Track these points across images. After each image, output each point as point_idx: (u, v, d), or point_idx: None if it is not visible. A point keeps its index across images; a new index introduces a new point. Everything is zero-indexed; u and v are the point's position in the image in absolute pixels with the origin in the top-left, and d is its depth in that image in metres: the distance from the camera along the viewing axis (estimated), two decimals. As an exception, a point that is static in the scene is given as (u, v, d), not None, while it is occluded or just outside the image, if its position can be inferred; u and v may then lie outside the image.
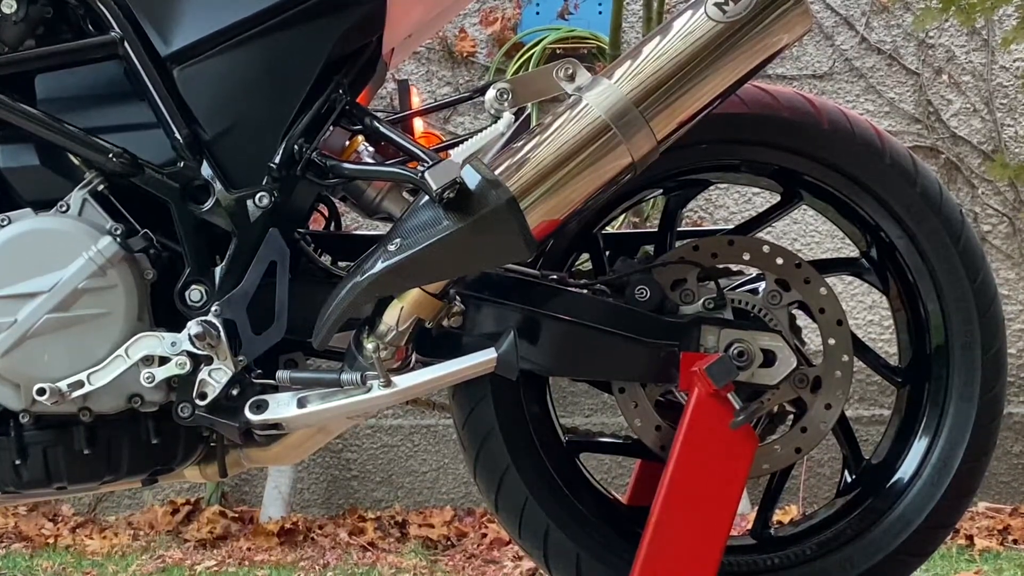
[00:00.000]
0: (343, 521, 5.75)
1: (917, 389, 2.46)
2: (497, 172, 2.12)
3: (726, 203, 6.15)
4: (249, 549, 5.24)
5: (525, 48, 6.14)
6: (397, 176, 2.20)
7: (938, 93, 6.22)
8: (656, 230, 2.50)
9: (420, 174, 2.11)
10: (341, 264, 2.40)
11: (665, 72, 2.15)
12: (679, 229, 2.51)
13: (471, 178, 2.11)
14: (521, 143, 2.16)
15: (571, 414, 5.89)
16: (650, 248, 2.47)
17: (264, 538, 5.41)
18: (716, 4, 2.17)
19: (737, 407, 2.19)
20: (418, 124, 2.51)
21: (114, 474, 2.31)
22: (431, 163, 2.13)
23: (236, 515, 5.69)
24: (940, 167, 6.18)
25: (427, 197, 2.11)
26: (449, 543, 5.52)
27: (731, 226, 2.56)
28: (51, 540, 5.31)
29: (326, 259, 2.41)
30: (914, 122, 6.22)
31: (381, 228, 2.31)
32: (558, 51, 6.10)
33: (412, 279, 2.14)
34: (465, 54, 6.25)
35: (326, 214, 2.53)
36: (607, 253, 2.49)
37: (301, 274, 2.29)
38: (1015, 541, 5.32)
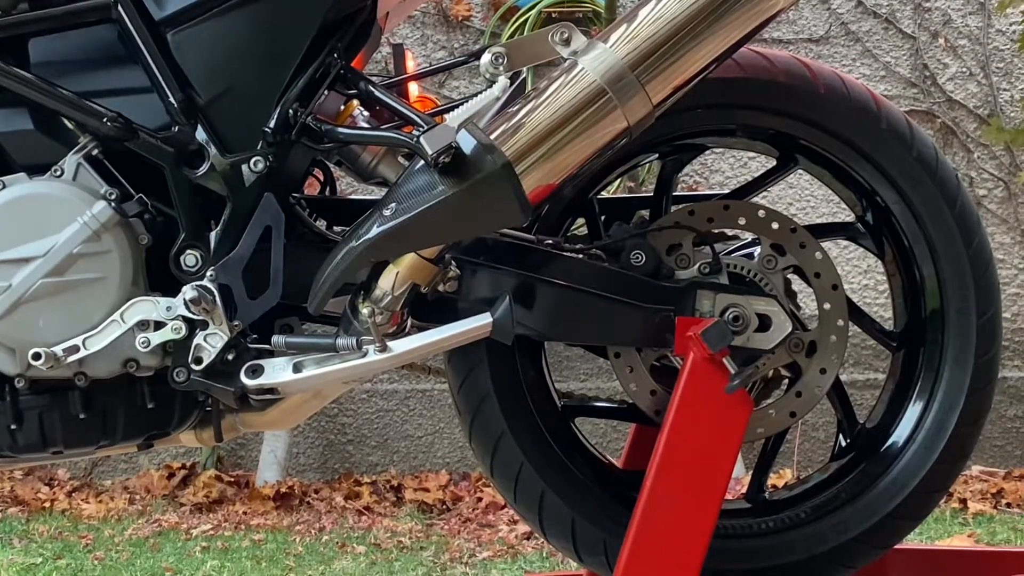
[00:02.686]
0: (339, 485, 5.77)
1: (912, 354, 2.46)
2: (492, 136, 2.12)
3: (722, 167, 6.15)
4: (245, 513, 5.25)
5: (520, 12, 6.11)
6: (392, 141, 2.20)
7: (934, 57, 6.21)
8: (652, 195, 2.50)
9: (415, 138, 2.10)
10: (336, 229, 2.39)
11: (661, 36, 2.14)
12: (675, 194, 2.50)
13: (466, 142, 2.10)
14: (517, 107, 2.15)
15: (566, 379, 5.90)
16: (646, 213, 2.46)
17: (260, 502, 5.43)
18: None
19: (732, 371, 2.19)
20: (413, 89, 2.50)
21: (110, 439, 2.31)
22: (426, 127, 2.12)
23: (232, 479, 5.70)
24: (936, 131, 6.17)
25: (422, 162, 2.11)
26: (444, 507, 5.54)
27: (727, 191, 2.55)
28: (47, 504, 5.33)
29: (321, 224, 2.41)
30: (910, 86, 6.21)
31: (376, 193, 2.31)
32: (554, 15, 6.08)
33: (407, 244, 2.14)
34: (460, 18, 6.23)
35: (321, 179, 2.53)
36: (603, 218, 2.48)
37: (296, 239, 2.28)
38: (1008, 504, 5.34)
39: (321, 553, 4.48)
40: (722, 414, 2.21)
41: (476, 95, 2.20)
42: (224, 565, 4.28)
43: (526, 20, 6.07)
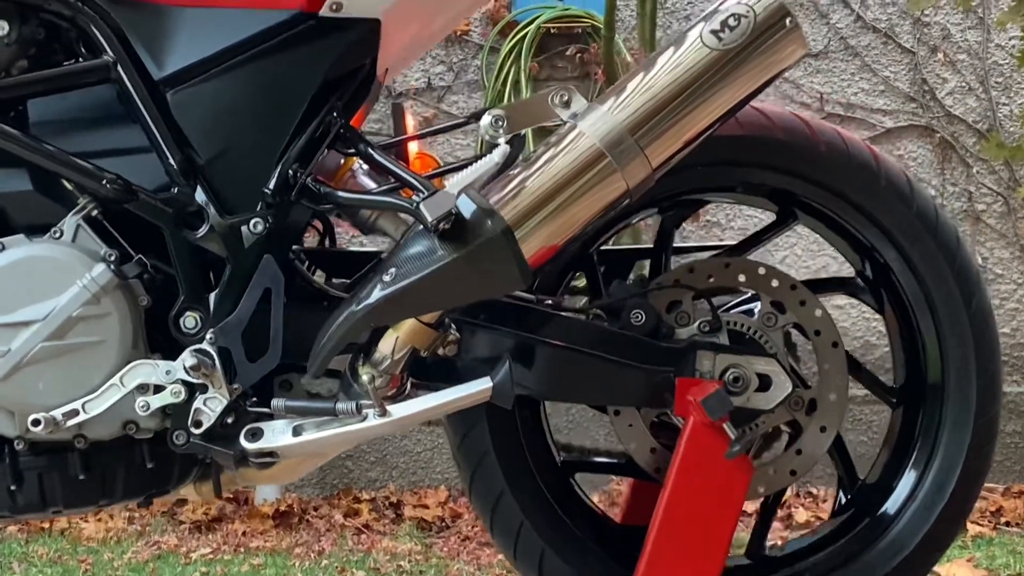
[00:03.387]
0: (338, 502, 5.76)
1: (912, 410, 2.46)
2: (492, 201, 2.12)
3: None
4: (244, 534, 5.24)
5: (519, 27, 6.09)
6: (392, 206, 2.19)
7: (933, 72, 6.20)
8: (651, 247, 2.49)
9: (415, 204, 2.10)
10: (336, 281, 2.39)
11: (660, 100, 2.14)
12: (675, 245, 2.50)
13: (466, 207, 2.10)
14: (516, 171, 2.15)
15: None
16: (646, 264, 2.46)
17: (259, 520, 5.42)
18: (712, 31, 2.16)
19: (732, 437, 2.19)
20: (412, 145, 2.49)
21: (109, 498, 2.32)
22: (426, 194, 2.12)
23: (231, 496, 5.69)
24: (935, 146, 6.17)
25: (422, 226, 2.11)
26: (444, 524, 5.53)
27: (726, 236, 2.54)
28: (46, 525, 5.32)
29: (320, 276, 2.41)
30: (909, 101, 6.20)
31: (376, 243, 2.30)
32: (552, 30, 6.07)
33: (407, 310, 2.14)
34: (459, 32, 6.21)
35: (320, 229, 2.53)
36: (602, 269, 2.48)
37: (296, 294, 2.28)
38: (1007, 523, 5.33)
39: (320, 580, 4.49)
40: (723, 478, 2.21)
41: (476, 160, 2.19)
42: (223, 592, 4.29)
43: (525, 34, 6.05)
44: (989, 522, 5.25)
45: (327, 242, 2.51)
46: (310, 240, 2.47)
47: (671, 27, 6.12)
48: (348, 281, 2.33)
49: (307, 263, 2.39)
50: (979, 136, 6.15)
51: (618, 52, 5.76)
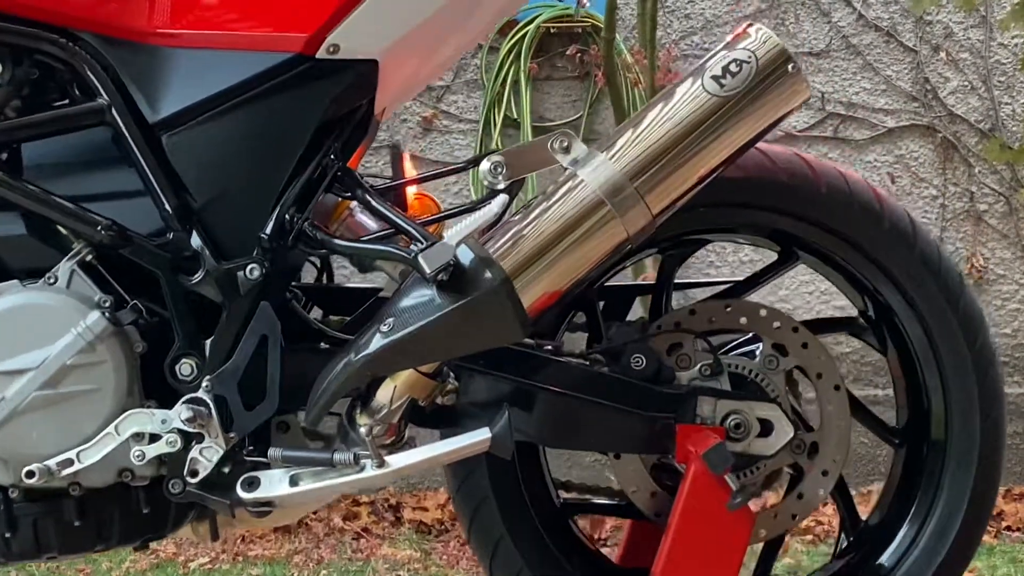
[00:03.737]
0: (337, 505, 5.74)
1: (914, 451, 2.44)
2: (491, 250, 2.09)
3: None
4: (243, 540, 5.23)
5: (519, 26, 6.05)
6: (390, 256, 2.16)
7: (936, 71, 6.18)
8: (652, 283, 2.47)
9: (413, 255, 2.07)
10: (333, 318, 2.37)
11: (660, 147, 2.12)
12: (676, 281, 2.48)
13: (465, 256, 2.08)
14: (516, 219, 2.13)
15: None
16: (646, 313, 2.43)
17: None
18: (713, 77, 2.13)
19: (734, 488, 2.17)
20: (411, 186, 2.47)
21: (105, 543, 2.29)
22: (425, 244, 2.09)
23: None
24: (937, 146, 6.14)
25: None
26: (443, 527, 5.52)
27: (723, 266, 2.52)
28: (45, 530, 5.28)
29: (318, 312, 2.39)
30: (911, 100, 6.17)
31: (374, 280, 2.28)
32: (552, 30, 6.04)
33: (405, 360, 2.12)
34: (459, 31, 6.16)
35: (318, 265, 2.51)
36: (602, 304, 2.46)
37: (293, 334, 2.26)
38: (1008, 528, 5.32)
39: (320, 591, 4.48)
40: (725, 527, 2.19)
41: (476, 207, 2.16)
42: (222, 607, 4.28)
43: (525, 34, 6.01)
44: (991, 528, 5.23)
45: (325, 278, 2.49)
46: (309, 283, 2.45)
47: (671, 26, 6.08)
48: (347, 319, 2.31)
49: (304, 300, 2.37)
50: (981, 136, 6.13)
51: (618, 52, 5.74)
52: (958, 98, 6.17)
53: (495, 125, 5.96)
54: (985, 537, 4.99)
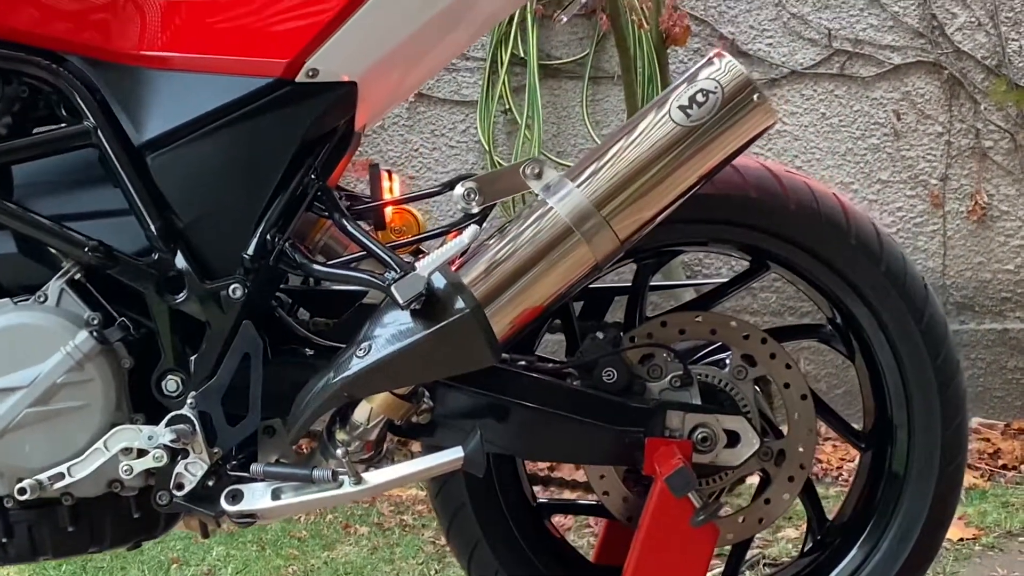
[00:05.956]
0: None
1: (879, 455, 2.52)
2: (462, 276, 2.17)
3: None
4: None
5: None
6: (366, 283, 2.24)
7: (943, 6, 6.14)
8: (628, 284, 2.53)
9: (388, 284, 2.15)
10: (318, 320, 2.44)
11: (627, 175, 2.19)
12: (651, 284, 2.55)
13: (438, 282, 2.17)
14: (490, 243, 2.20)
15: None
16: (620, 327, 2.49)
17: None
18: (680, 107, 2.19)
19: (697, 506, 2.25)
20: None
21: (98, 546, 2.40)
22: (399, 275, 2.16)
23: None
24: (943, 83, 6.14)
25: None
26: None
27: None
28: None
29: (305, 314, 2.46)
30: (918, 36, 6.15)
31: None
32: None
33: (380, 384, 2.21)
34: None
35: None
36: (580, 304, 2.52)
37: (278, 341, 2.34)
38: (1004, 467, 5.35)
39: (325, 536, 4.56)
40: (689, 541, 2.27)
41: (450, 231, 2.24)
42: (230, 554, 4.37)
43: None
44: (987, 467, 5.26)
45: (312, 282, 2.56)
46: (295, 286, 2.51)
47: (678, -35, 6.07)
48: (334, 321, 2.38)
49: (291, 303, 2.44)
50: (988, 72, 6.11)
51: (623, -7, 5.73)
52: (965, 34, 6.15)
53: (502, 64, 5.97)
54: (978, 481, 5.08)
